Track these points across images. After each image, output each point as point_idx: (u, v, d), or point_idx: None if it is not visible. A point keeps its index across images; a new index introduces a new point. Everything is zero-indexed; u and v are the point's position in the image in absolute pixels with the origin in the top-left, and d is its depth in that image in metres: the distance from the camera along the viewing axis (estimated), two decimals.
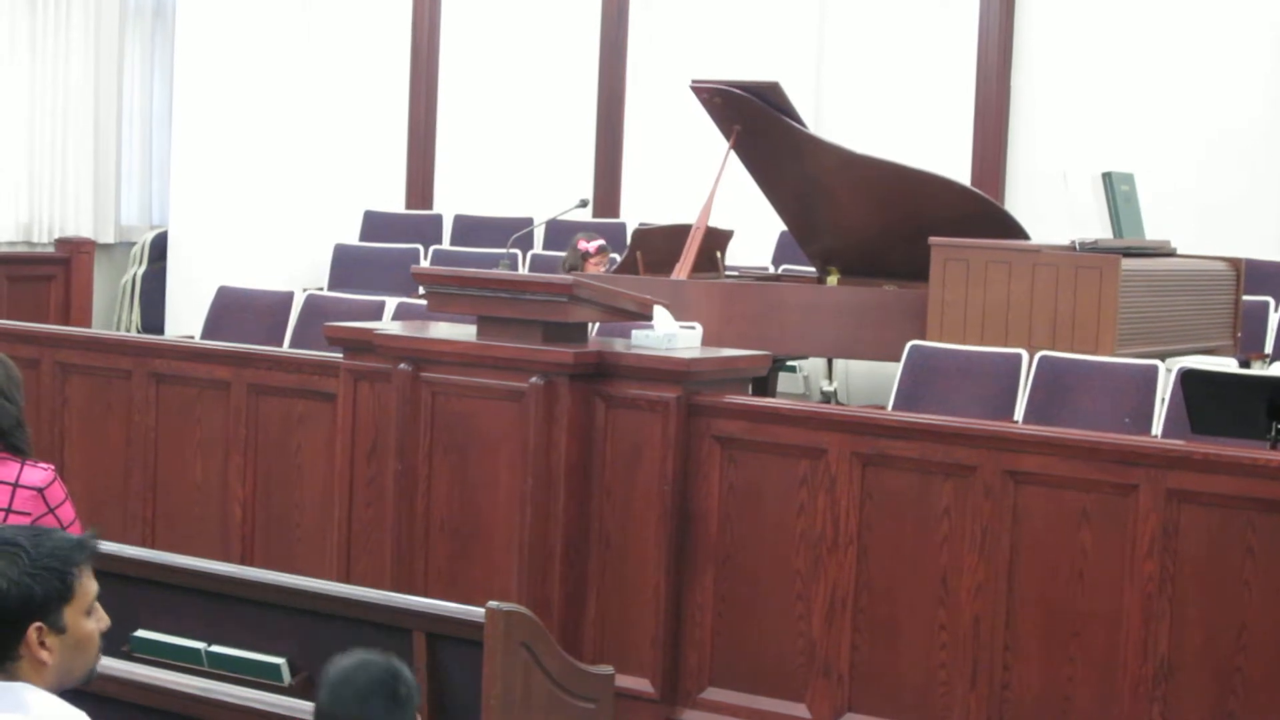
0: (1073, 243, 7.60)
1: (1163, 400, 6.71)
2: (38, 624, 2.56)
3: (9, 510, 4.41)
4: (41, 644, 2.57)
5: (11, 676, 2.54)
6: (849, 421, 5.51)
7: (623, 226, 10.85)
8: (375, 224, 11.57)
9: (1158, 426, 6.65)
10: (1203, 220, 9.60)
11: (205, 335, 8.61)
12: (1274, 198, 9.78)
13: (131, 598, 4.36)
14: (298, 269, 10.78)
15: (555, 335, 5.73)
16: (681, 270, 8.25)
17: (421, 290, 6.21)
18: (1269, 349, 8.66)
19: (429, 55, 11.98)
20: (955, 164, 10.02)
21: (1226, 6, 10.05)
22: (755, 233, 10.12)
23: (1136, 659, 4.99)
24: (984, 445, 5.23)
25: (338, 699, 2.82)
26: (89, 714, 2.56)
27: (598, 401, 5.70)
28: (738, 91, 8.31)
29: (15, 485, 4.44)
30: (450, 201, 11.87)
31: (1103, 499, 5.04)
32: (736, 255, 9.47)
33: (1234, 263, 8.34)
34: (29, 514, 4.45)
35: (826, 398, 9.47)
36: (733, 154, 8.42)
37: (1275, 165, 9.79)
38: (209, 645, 4.23)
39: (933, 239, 7.71)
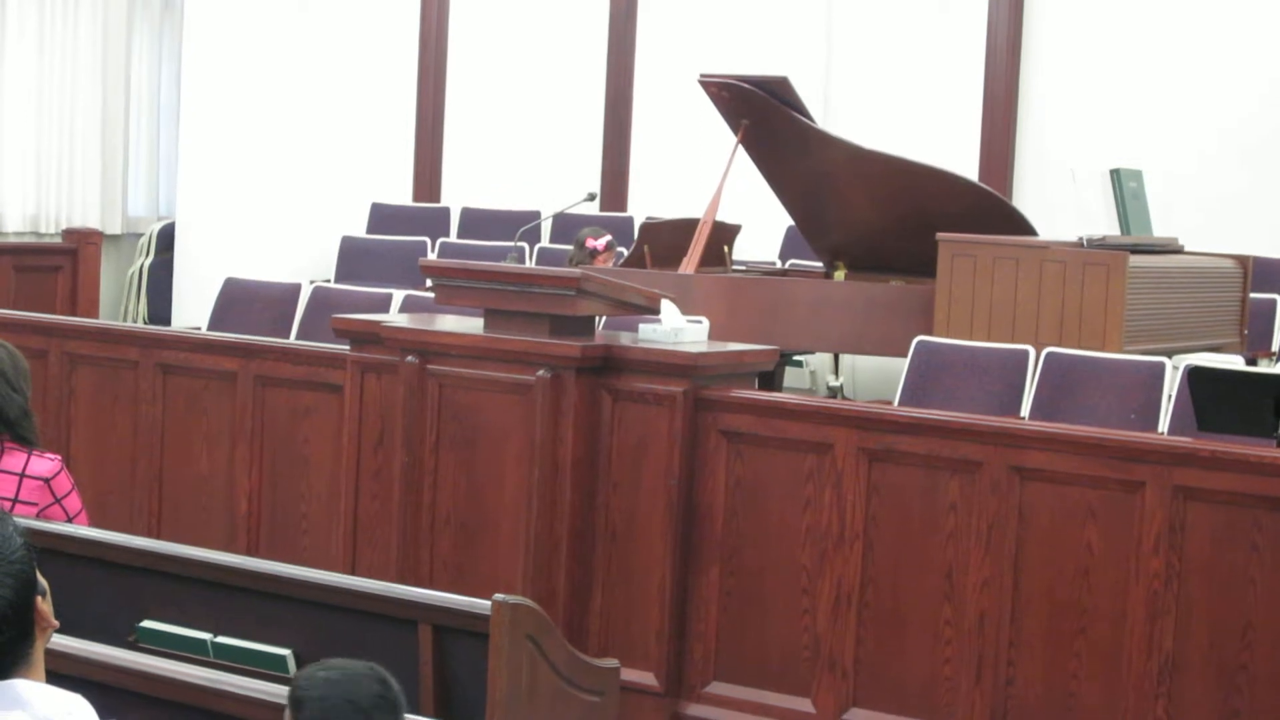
0: (1080, 239, 7.60)
1: (1169, 397, 6.71)
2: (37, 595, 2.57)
3: (15, 500, 4.41)
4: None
5: (35, 655, 2.54)
6: (855, 417, 5.51)
7: (630, 220, 10.85)
8: (382, 216, 11.58)
9: (1164, 423, 6.64)
10: (1210, 216, 9.59)
11: (212, 326, 8.62)
12: None
13: (137, 588, 4.36)
14: (305, 261, 10.78)
15: (562, 328, 5.73)
16: (689, 264, 8.25)
17: (429, 283, 6.21)
18: (1276, 346, 8.65)
19: (437, 48, 11.98)
20: (963, 159, 10.02)
21: (1235, 2, 10.04)
22: (763, 227, 10.12)
23: (1141, 656, 4.99)
24: (990, 441, 5.23)
25: (333, 711, 2.62)
26: (93, 704, 2.56)
27: (604, 395, 5.70)
28: (746, 86, 8.31)
29: (22, 475, 4.45)
30: (458, 194, 11.88)
31: (1108, 496, 5.04)
32: (744, 250, 9.47)
33: (1241, 260, 8.33)
34: (35, 504, 4.45)
35: (833, 393, 9.47)
36: (740, 148, 8.42)
37: None
38: (215, 636, 4.23)
39: (940, 235, 7.71)
